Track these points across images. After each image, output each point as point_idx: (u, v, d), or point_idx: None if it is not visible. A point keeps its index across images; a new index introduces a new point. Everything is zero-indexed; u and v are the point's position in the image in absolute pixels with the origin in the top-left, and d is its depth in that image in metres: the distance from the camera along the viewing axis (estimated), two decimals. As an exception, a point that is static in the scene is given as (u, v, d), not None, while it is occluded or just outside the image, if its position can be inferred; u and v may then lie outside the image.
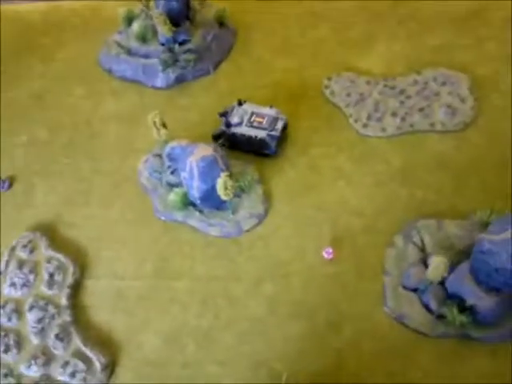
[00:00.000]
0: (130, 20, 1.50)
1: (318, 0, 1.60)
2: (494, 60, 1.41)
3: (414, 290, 1.01)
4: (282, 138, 1.23)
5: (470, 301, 0.95)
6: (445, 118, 1.30)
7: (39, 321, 0.98)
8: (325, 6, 1.59)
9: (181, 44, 1.43)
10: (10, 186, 1.22)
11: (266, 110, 1.26)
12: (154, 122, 1.09)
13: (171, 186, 1.15)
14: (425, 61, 1.42)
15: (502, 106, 1.31)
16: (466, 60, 1.43)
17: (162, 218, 1.07)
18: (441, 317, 0.95)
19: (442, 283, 0.98)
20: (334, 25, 1.53)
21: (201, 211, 1.11)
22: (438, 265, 0.89)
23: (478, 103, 1.33)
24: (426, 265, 1.02)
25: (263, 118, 1.27)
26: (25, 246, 1.08)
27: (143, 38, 1.45)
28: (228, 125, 1.24)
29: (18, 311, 1.00)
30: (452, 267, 0.99)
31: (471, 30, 1.51)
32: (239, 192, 1.12)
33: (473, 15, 1.55)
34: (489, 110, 1.30)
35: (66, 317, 0.96)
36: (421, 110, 1.33)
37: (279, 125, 1.23)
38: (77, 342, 0.93)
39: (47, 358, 0.93)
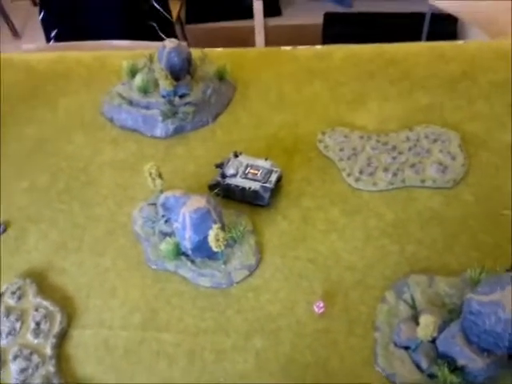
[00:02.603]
0: (133, 73, 1.55)
1: (313, 58, 1.67)
2: (483, 119, 1.44)
3: (406, 348, 1.00)
4: (276, 189, 1.25)
5: (460, 361, 0.93)
6: (436, 175, 1.33)
7: (22, 371, 0.95)
8: (319, 64, 1.64)
9: (181, 97, 1.47)
10: (4, 230, 1.22)
11: (261, 163, 1.28)
12: (150, 173, 1.11)
13: (164, 235, 1.15)
14: (416, 119, 1.45)
15: (491, 163, 1.33)
16: (456, 119, 1.47)
17: (154, 266, 1.06)
18: (432, 376, 0.92)
19: (433, 341, 0.96)
20: (327, 82, 1.57)
21: (192, 261, 1.11)
22: (427, 324, 0.88)
23: (468, 161, 1.36)
24: (417, 322, 1.00)
25: (258, 170, 1.28)
26: (13, 293, 1.05)
27: (145, 91, 1.49)
28: (223, 176, 1.26)
29: (2, 361, 0.97)
30: (443, 326, 0.97)
31: (461, 90, 1.55)
32: (231, 242, 1.12)
33: (463, 77, 1.61)
34: (479, 167, 1.31)
35: (50, 367, 0.92)
36: (412, 166, 1.35)
37: (273, 177, 1.25)
38: (59, 395, 0.89)
39: (28, 411, 0.88)
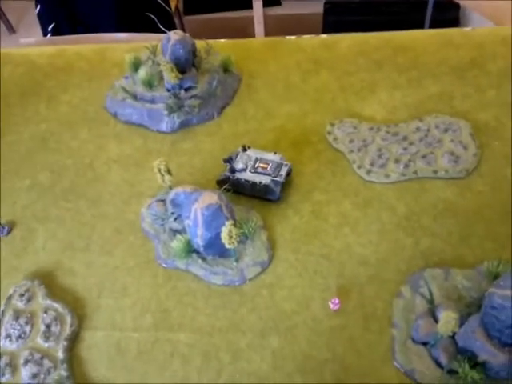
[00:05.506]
0: (136, 66, 1.51)
1: (319, 48, 1.64)
2: (494, 108, 1.42)
3: (424, 344, 0.98)
4: (286, 183, 1.22)
5: (481, 356, 0.91)
6: (448, 165, 1.31)
7: (34, 376, 0.86)
8: (325, 54, 1.61)
9: (187, 90, 1.45)
10: (10, 231, 1.19)
11: (271, 156, 1.26)
12: (159, 169, 1.08)
13: (174, 232, 1.12)
14: (426, 108, 1.43)
15: (503, 152, 1.31)
16: (466, 107, 1.44)
17: (164, 265, 1.04)
18: (452, 372, 0.91)
19: (452, 337, 0.95)
20: (334, 72, 1.54)
21: (204, 258, 1.09)
22: (448, 320, 0.86)
23: (480, 150, 1.34)
24: (434, 317, 0.99)
25: (267, 164, 1.26)
26: (22, 295, 1.03)
27: (149, 84, 1.46)
28: (232, 170, 1.23)
29: (13, 365, 0.90)
30: (461, 320, 0.95)
31: (471, 78, 1.53)
32: (243, 238, 1.10)
33: (471, 64, 1.58)
34: (491, 156, 1.29)
35: (63, 371, 0.90)
36: (424, 156, 1.33)
37: (283, 171, 1.22)
38: (73, 399, 0.87)
39: (40, 417, 0.84)
